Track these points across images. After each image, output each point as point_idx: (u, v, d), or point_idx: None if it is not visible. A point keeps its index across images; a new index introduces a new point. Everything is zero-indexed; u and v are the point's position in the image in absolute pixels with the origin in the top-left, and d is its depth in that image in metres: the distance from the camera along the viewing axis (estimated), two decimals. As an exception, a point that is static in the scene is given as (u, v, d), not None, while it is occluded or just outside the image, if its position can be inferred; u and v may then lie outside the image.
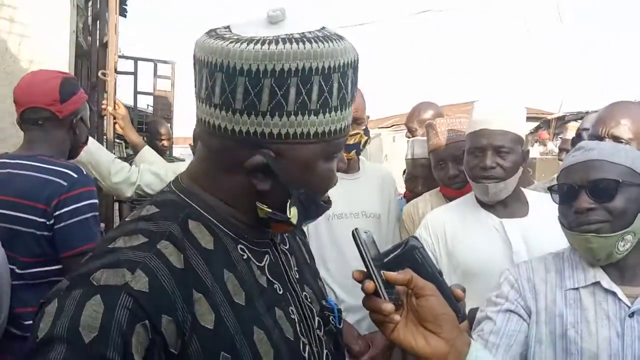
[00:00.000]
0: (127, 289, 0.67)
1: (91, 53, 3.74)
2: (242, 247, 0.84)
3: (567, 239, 1.31)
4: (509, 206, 1.81)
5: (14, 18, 2.93)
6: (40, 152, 1.84)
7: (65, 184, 1.76)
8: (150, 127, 4.73)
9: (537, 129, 13.85)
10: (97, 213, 1.85)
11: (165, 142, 4.62)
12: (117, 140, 4.75)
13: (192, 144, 4.69)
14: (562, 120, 12.32)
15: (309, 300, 0.93)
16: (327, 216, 2.03)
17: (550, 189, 1.33)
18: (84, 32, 3.85)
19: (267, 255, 0.88)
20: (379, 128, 14.18)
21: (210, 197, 0.83)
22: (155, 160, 2.86)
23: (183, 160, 4.62)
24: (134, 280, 0.68)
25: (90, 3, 4.22)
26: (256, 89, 0.74)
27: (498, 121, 1.74)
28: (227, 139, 0.78)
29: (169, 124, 5.16)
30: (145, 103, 6.72)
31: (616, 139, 1.77)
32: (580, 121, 3.64)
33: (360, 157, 2.24)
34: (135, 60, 4.93)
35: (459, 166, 2.08)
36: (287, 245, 0.97)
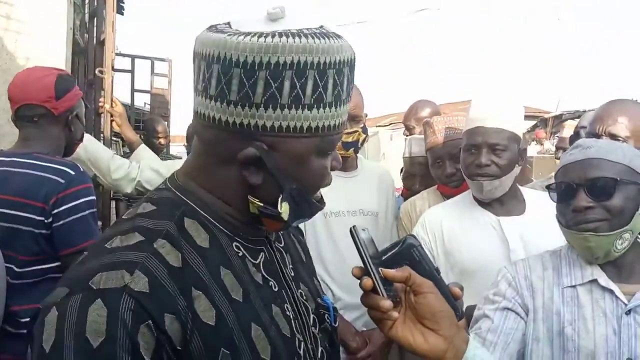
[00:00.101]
0: (128, 291, 0.67)
1: (88, 50, 3.73)
2: (237, 244, 0.84)
3: (565, 237, 1.31)
4: (506, 204, 1.81)
5: (11, 15, 2.92)
6: (36, 149, 1.83)
7: (62, 181, 1.76)
8: (147, 125, 4.73)
9: (534, 127, 13.87)
10: (95, 210, 1.85)
11: (162, 140, 4.62)
12: (114, 138, 4.73)
13: (186, 143, 4.69)
14: (560, 119, 12.34)
15: (304, 297, 0.93)
16: (324, 214, 2.03)
17: (548, 187, 1.33)
18: (81, 29, 3.84)
19: (262, 253, 0.88)
20: (377, 126, 14.17)
21: (206, 194, 0.83)
22: (151, 159, 2.86)
23: (180, 158, 4.62)
24: (133, 282, 0.68)
25: (87, 0, 4.21)
26: (251, 80, 0.74)
27: (494, 119, 1.75)
28: (222, 130, 0.78)
29: (166, 122, 5.15)
30: (142, 101, 6.70)
31: (613, 136, 1.77)
32: (577, 120, 3.65)
33: (358, 155, 2.24)
34: (133, 57, 4.92)
35: (456, 164, 2.08)
36: (282, 243, 0.97)
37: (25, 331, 1.73)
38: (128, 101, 5.07)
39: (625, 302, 1.21)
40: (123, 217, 0.83)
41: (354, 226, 0.82)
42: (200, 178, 0.84)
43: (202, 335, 0.71)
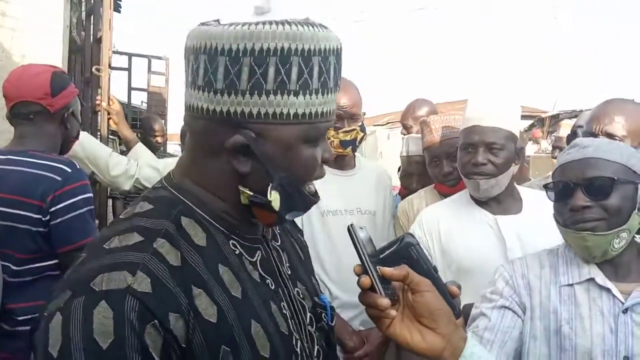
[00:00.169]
0: (131, 292, 0.67)
1: (85, 48, 3.71)
2: (234, 242, 0.84)
3: (563, 236, 1.31)
4: (503, 203, 1.81)
5: (6, 12, 2.90)
6: (32, 147, 1.82)
7: (59, 179, 1.75)
8: (144, 124, 4.71)
9: (531, 127, 13.90)
10: (92, 207, 1.85)
11: (159, 139, 4.61)
12: (111, 137, 4.72)
13: (181, 143, 4.68)
14: (557, 119, 12.36)
15: (300, 296, 0.93)
16: (321, 212, 2.03)
17: (545, 187, 1.33)
18: (77, 27, 3.82)
19: (258, 251, 0.88)
20: (374, 125, 14.18)
21: (201, 192, 0.84)
22: (149, 157, 2.85)
23: (177, 156, 4.60)
24: (136, 282, 0.68)
25: (84, -2, 4.19)
26: (236, 68, 0.75)
27: (490, 118, 1.75)
28: (210, 120, 0.79)
29: (163, 121, 5.13)
30: (139, 100, 6.68)
31: (610, 136, 1.78)
32: (574, 119, 3.65)
33: (356, 154, 2.24)
34: (129, 56, 4.90)
35: (453, 163, 2.08)
36: (279, 242, 0.97)
37: (21, 329, 1.72)
38: (125, 99, 5.05)
39: (622, 300, 1.22)
40: (120, 216, 0.83)
41: (351, 224, 0.82)
42: (194, 174, 0.85)
43: (203, 332, 0.72)
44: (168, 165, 2.52)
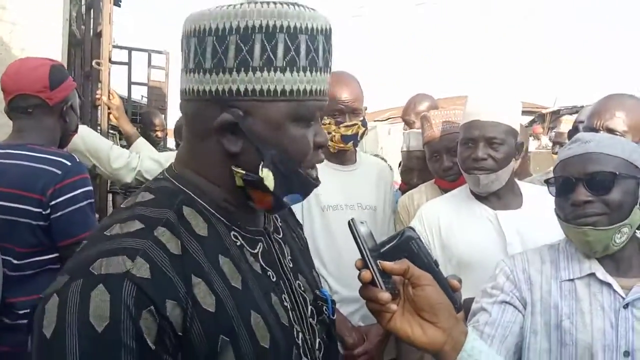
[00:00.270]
0: (130, 277, 0.67)
1: (85, 42, 3.70)
2: (235, 234, 0.84)
3: (564, 231, 1.31)
4: (503, 198, 1.81)
5: (6, 5, 2.89)
6: (31, 140, 1.82)
7: (59, 172, 1.75)
8: (144, 118, 4.70)
9: (531, 123, 13.89)
10: (92, 200, 1.85)
11: (159, 133, 4.60)
12: (111, 131, 4.71)
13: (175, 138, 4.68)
14: (557, 115, 12.34)
15: (302, 289, 0.93)
16: (321, 207, 2.03)
17: (547, 182, 1.33)
18: (77, 21, 3.81)
19: (260, 243, 0.88)
20: (375, 121, 14.15)
21: (202, 181, 0.84)
22: (150, 150, 2.85)
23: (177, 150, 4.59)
24: (135, 268, 0.68)
25: (83, -8, 4.17)
26: (223, 46, 0.77)
27: (490, 113, 1.74)
28: (200, 102, 0.80)
29: (163, 115, 5.12)
30: (139, 94, 6.66)
31: (611, 131, 1.77)
32: (575, 115, 3.65)
33: (357, 149, 2.23)
34: (129, 50, 4.88)
35: (453, 158, 2.08)
36: (281, 234, 0.97)
37: (22, 322, 1.72)
38: (125, 94, 5.03)
39: (623, 295, 1.22)
40: (122, 206, 0.83)
41: (352, 219, 0.82)
42: (192, 163, 0.85)
43: (202, 321, 0.72)
44: (169, 158, 2.52)
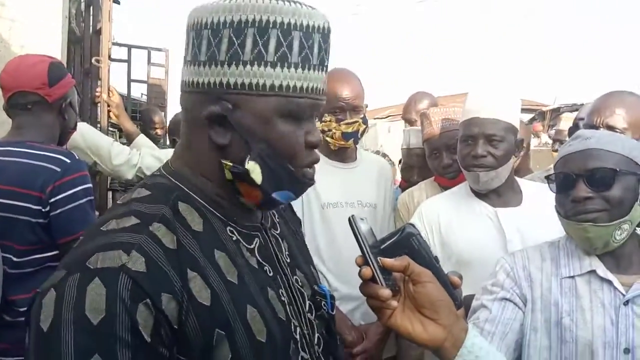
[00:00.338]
0: (125, 270, 0.68)
1: (84, 40, 3.70)
2: (231, 229, 0.85)
3: (564, 227, 1.31)
4: (503, 195, 1.81)
5: (5, 2, 2.88)
6: (30, 137, 1.82)
7: (58, 169, 1.75)
8: (144, 116, 4.70)
9: (531, 120, 13.88)
10: (92, 197, 1.84)
11: (159, 131, 4.59)
12: (111, 129, 4.71)
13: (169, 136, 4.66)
14: (557, 112, 12.34)
15: (299, 284, 0.93)
16: (321, 205, 2.03)
17: (547, 178, 1.33)
18: (76, 18, 3.81)
19: (256, 239, 0.88)
20: (375, 119, 14.16)
21: (196, 177, 0.85)
22: (151, 147, 2.85)
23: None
24: (130, 261, 0.69)
25: (83, -11, 4.16)
26: (216, 39, 0.78)
27: (490, 110, 1.74)
28: (193, 93, 0.81)
29: (162, 113, 5.11)
30: (139, 92, 6.65)
31: (611, 128, 1.77)
32: (575, 112, 3.64)
33: (358, 146, 2.23)
34: (129, 47, 4.87)
35: (452, 155, 2.08)
36: (279, 230, 0.98)
37: (23, 319, 1.72)
38: (124, 91, 5.03)
39: (623, 292, 1.22)
40: (118, 202, 0.84)
41: (352, 215, 0.82)
42: (186, 157, 0.86)
43: (197, 315, 0.72)
44: (170, 155, 2.51)
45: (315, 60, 0.81)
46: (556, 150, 3.71)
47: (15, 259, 1.73)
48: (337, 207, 2.06)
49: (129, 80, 4.95)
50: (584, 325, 1.22)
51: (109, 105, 3.17)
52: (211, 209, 0.84)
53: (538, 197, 1.76)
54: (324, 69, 0.84)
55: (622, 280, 1.24)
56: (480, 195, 1.83)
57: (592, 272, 1.26)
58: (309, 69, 0.80)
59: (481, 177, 1.74)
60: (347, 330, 1.95)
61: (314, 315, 0.92)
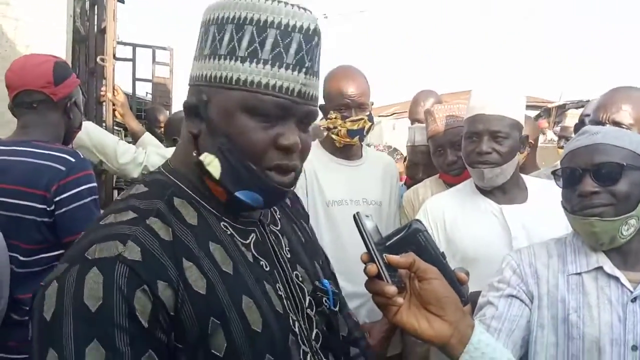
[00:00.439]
0: (122, 259, 0.70)
1: (89, 39, 3.71)
2: (225, 224, 0.86)
3: (570, 223, 1.30)
4: (508, 192, 1.80)
5: (10, 1, 2.89)
6: (35, 137, 1.82)
7: (63, 168, 1.75)
8: (149, 115, 4.71)
9: (537, 117, 13.82)
10: (96, 197, 1.84)
11: (163, 130, 4.60)
12: (117, 128, 4.72)
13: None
14: (563, 109, 12.28)
15: (300, 279, 0.93)
16: (326, 202, 2.03)
17: (554, 173, 1.32)
18: (81, 17, 3.82)
19: (253, 234, 0.89)
20: (379, 116, 14.14)
21: (189, 172, 0.86)
22: (156, 145, 2.86)
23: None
24: (127, 251, 0.71)
25: (87, -12, 4.17)
26: (205, 36, 0.83)
27: (495, 106, 1.73)
28: (190, 86, 0.86)
29: (167, 111, 5.13)
30: (144, 90, 6.68)
31: (617, 124, 1.76)
32: (581, 109, 3.63)
33: (363, 144, 2.23)
34: (134, 46, 4.89)
35: (457, 152, 2.07)
36: (279, 226, 0.98)
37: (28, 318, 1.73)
38: (129, 90, 5.04)
39: (631, 289, 1.21)
40: (117, 198, 0.87)
41: (357, 212, 0.82)
42: (181, 152, 0.89)
43: (193, 304, 0.74)
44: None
45: (290, 60, 0.80)
46: (562, 147, 3.70)
47: (22, 258, 1.73)
48: (342, 204, 2.06)
49: (134, 79, 4.97)
50: (591, 322, 1.22)
51: (114, 104, 3.18)
52: (204, 203, 0.85)
53: (543, 194, 1.76)
54: (306, 70, 0.82)
55: (630, 277, 1.23)
56: (485, 192, 1.82)
57: (599, 268, 1.25)
58: (279, 67, 0.80)
59: (486, 174, 1.73)
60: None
61: (314, 310, 0.92)
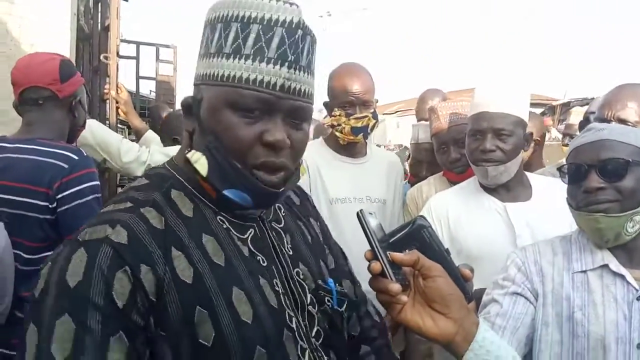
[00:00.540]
0: (108, 241, 0.73)
1: (93, 37, 3.71)
2: (222, 218, 0.86)
3: (575, 220, 1.30)
4: (512, 190, 1.80)
5: (14, 0, 2.90)
6: (40, 134, 1.83)
7: (66, 166, 1.76)
8: (153, 113, 4.70)
9: (541, 115, 13.76)
10: (99, 195, 1.85)
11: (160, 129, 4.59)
12: (120, 126, 4.72)
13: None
14: (567, 107, 12.23)
15: (301, 277, 0.93)
16: (329, 200, 2.02)
17: (559, 170, 1.32)
18: (85, 15, 3.82)
19: (251, 229, 0.90)
20: (383, 114, 14.14)
21: (189, 167, 0.86)
22: (159, 143, 2.86)
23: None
24: (114, 234, 0.74)
25: (91, -14, 4.17)
26: (203, 36, 0.86)
27: (499, 104, 1.73)
28: (193, 86, 0.88)
29: (171, 109, 5.13)
30: (147, 89, 6.69)
31: (623, 121, 1.76)
32: (585, 107, 3.61)
33: (368, 142, 2.22)
34: (137, 44, 4.88)
35: (460, 150, 2.07)
36: (282, 223, 0.98)
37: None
38: (133, 88, 5.04)
39: (637, 287, 1.21)
40: (121, 191, 0.87)
41: (361, 210, 0.81)
42: (183, 148, 0.90)
43: (178, 292, 0.75)
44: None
45: (271, 54, 0.80)
46: (566, 145, 3.68)
47: (25, 256, 1.74)
48: (346, 202, 2.06)
49: (138, 77, 4.96)
50: (596, 320, 1.21)
51: (117, 102, 3.18)
52: (202, 197, 0.86)
53: (548, 192, 1.75)
54: (289, 64, 0.81)
55: (635, 275, 1.22)
56: (489, 190, 1.81)
57: (605, 266, 1.25)
58: (260, 62, 0.80)
59: (490, 172, 1.73)
60: None
61: (316, 308, 0.92)
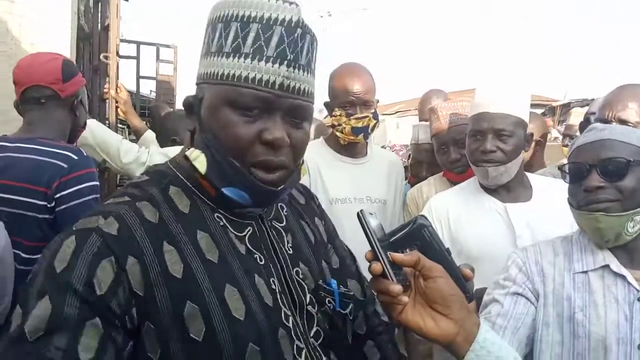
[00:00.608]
0: (98, 231, 0.75)
1: (93, 36, 3.71)
2: (220, 215, 0.87)
3: (576, 219, 1.30)
4: (513, 191, 1.79)
5: (14, -1, 2.90)
6: (41, 134, 1.83)
7: (65, 166, 1.76)
8: (153, 112, 4.70)
9: (542, 116, 13.75)
10: (98, 195, 1.85)
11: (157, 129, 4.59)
12: (120, 125, 4.72)
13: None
14: (567, 107, 12.24)
15: (301, 276, 0.93)
16: (329, 200, 2.02)
17: (560, 168, 1.32)
18: (85, 15, 3.81)
19: (250, 227, 0.90)
20: (383, 114, 14.13)
21: (192, 168, 0.86)
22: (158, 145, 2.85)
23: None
24: (105, 224, 0.76)
25: (91, -14, 4.17)
26: (205, 36, 0.87)
27: (499, 104, 1.73)
28: (196, 85, 0.89)
29: (171, 109, 5.12)
30: (148, 88, 6.68)
31: (623, 122, 1.76)
32: (585, 108, 3.61)
33: (368, 142, 2.22)
34: (138, 44, 4.87)
35: (460, 150, 2.07)
36: (284, 222, 0.98)
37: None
38: (134, 88, 5.04)
39: (638, 288, 1.20)
40: (122, 187, 0.91)
41: (361, 210, 0.81)
42: (186, 147, 0.91)
43: (168, 286, 0.76)
44: (177, 152, 2.52)
45: (270, 52, 0.81)
46: (566, 146, 3.68)
47: (24, 255, 1.73)
48: (346, 202, 2.05)
49: (138, 77, 4.95)
50: (597, 321, 1.21)
51: (117, 102, 3.18)
52: (200, 194, 0.87)
53: (548, 193, 1.75)
54: (288, 63, 0.81)
55: (636, 275, 1.22)
56: (490, 190, 1.81)
57: (606, 267, 1.25)
58: (259, 60, 0.81)
59: (490, 173, 1.73)
60: None
61: (316, 308, 0.92)
